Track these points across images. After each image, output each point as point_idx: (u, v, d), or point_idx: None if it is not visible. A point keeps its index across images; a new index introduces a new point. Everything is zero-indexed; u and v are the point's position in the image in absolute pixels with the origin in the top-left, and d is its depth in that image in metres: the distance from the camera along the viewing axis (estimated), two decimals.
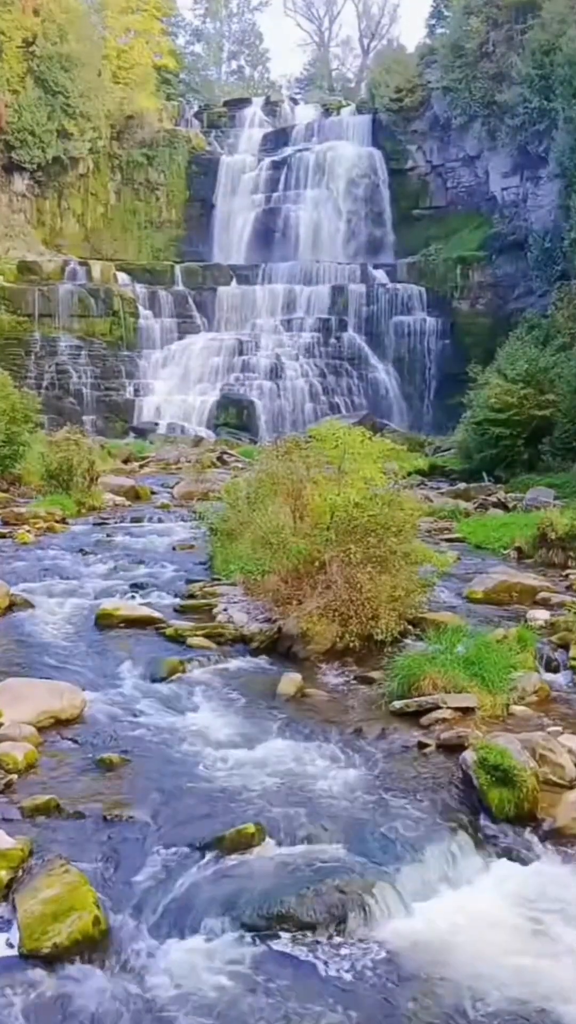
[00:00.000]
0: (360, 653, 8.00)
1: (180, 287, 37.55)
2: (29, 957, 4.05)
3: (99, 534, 14.17)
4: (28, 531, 13.70)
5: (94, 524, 15.30)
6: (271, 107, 47.95)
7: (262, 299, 36.82)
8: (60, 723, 6.43)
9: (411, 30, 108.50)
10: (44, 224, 41.69)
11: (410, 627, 8.32)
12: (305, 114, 46.82)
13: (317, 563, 8.35)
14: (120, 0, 47.39)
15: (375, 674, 7.49)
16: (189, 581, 10.67)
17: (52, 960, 4.04)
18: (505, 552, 12.94)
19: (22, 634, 8.64)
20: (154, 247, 43.01)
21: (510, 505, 17.19)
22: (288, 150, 42.87)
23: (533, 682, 7.18)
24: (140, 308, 35.99)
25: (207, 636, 8.48)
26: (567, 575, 11.28)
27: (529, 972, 4.16)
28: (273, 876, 4.61)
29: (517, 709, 6.77)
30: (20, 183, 40.61)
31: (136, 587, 10.44)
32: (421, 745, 6.15)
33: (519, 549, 12.71)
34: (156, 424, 33.30)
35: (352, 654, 8.02)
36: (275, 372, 34.00)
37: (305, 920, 4.36)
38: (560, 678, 7.74)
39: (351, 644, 8.00)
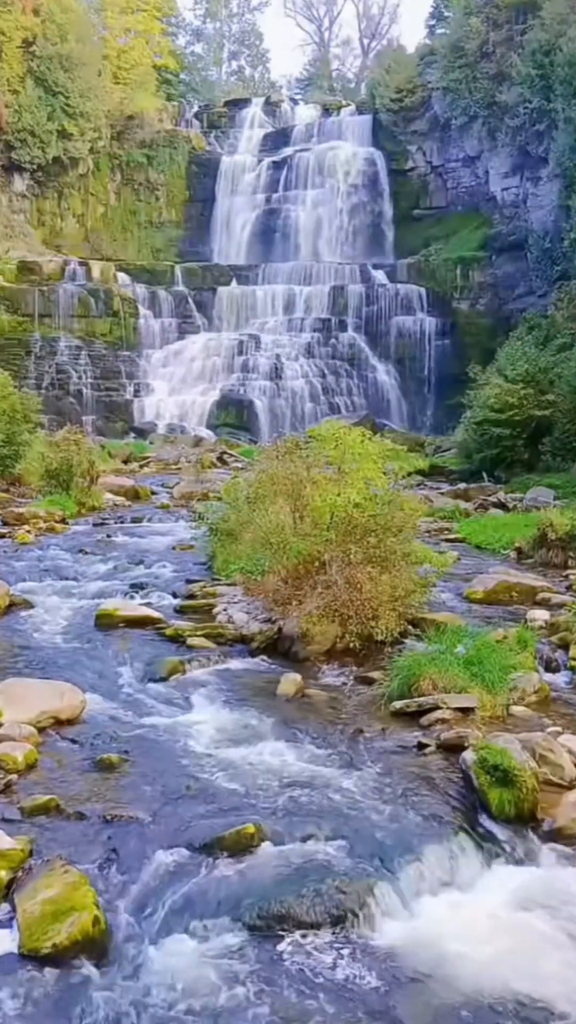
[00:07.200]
0: (360, 653, 8.00)
1: (180, 287, 37.56)
2: (29, 957, 4.05)
3: (99, 534, 14.18)
4: (28, 531, 13.73)
5: (94, 524, 15.32)
6: (271, 107, 47.93)
7: (262, 299, 36.83)
8: (60, 723, 6.44)
9: (411, 30, 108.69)
10: (44, 224, 41.70)
11: (410, 627, 8.32)
12: (305, 114, 46.80)
13: (317, 563, 8.36)
14: (120, 0, 47.38)
15: (375, 674, 7.49)
16: (189, 581, 10.67)
17: (52, 960, 4.03)
18: (505, 552, 12.94)
19: (22, 634, 8.64)
20: (154, 247, 43.03)
21: (510, 505, 17.20)
22: (288, 150, 42.90)
23: (533, 682, 7.17)
24: (140, 308, 36.02)
25: (207, 636, 8.48)
26: (567, 575, 11.29)
27: (529, 972, 4.15)
28: (273, 876, 4.61)
29: (517, 709, 6.77)
30: (20, 183, 40.62)
31: (136, 587, 10.44)
32: (421, 745, 6.15)
33: (519, 549, 12.72)
34: (156, 424, 33.33)
35: (352, 654, 8.02)
36: (275, 372, 34.01)
37: (305, 920, 4.36)
38: (560, 678, 7.74)
39: (351, 644, 8.00)
